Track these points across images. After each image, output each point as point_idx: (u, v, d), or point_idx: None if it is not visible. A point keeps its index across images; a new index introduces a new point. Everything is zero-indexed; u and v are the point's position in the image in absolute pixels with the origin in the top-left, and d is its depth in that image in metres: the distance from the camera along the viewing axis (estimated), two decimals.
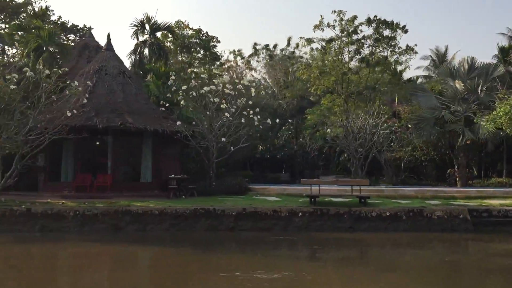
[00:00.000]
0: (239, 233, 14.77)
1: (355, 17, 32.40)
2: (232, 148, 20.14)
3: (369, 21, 32.35)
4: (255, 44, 48.00)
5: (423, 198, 18.29)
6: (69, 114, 16.21)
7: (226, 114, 18.98)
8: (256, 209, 15.26)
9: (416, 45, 38.18)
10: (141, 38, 29.94)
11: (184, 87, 20.76)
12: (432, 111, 27.91)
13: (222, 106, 19.21)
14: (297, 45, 48.99)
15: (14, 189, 18.73)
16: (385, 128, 26.19)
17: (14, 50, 33.54)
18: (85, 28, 32.98)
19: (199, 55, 34.40)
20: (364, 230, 15.00)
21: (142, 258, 12.29)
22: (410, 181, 28.20)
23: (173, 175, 19.33)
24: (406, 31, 32.80)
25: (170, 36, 31.68)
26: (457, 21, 75.84)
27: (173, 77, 21.07)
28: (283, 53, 47.86)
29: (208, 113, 19.59)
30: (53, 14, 29.92)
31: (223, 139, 19.34)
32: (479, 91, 27.19)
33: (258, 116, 19.90)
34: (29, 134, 15.46)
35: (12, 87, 15.62)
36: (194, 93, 19.55)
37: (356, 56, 32.81)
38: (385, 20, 32.36)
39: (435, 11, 76.56)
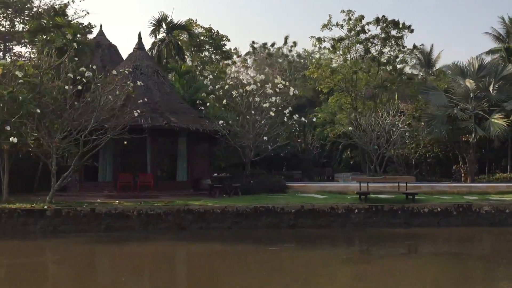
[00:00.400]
0: (299, 230, 15.15)
1: (362, 17, 33.11)
2: (269, 146, 20.52)
3: (377, 21, 33.08)
4: (253, 42, 48.47)
5: (459, 193, 19.03)
6: (136, 114, 16.31)
7: (271, 113, 19.31)
8: (314, 206, 15.66)
9: (422, 44, 39.29)
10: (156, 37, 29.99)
11: (217, 86, 21.06)
12: (444, 109, 28.63)
13: (264, 105, 19.52)
14: (295, 43, 49.72)
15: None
16: (401, 126, 26.88)
17: (23, 49, 33.16)
18: (90, 26, 32.74)
19: (208, 53, 34.52)
20: (417, 225, 15.58)
21: (223, 255, 12.46)
22: (419, 177, 28.95)
23: (215, 174, 19.60)
24: (412, 31, 33.70)
25: (185, 34, 31.73)
26: (441, 21, 77.66)
27: (210, 76, 21.27)
28: (281, 51, 48.51)
29: (252, 112, 19.84)
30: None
31: (264, 138, 19.68)
32: (490, 90, 28.01)
33: (297, 115, 20.32)
34: (90, 134, 15.49)
35: (66, 87, 15.66)
36: (234, 93, 19.80)
37: (366, 55, 33.43)
38: (393, 20, 33.19)
39: (419, 10, 78.15)
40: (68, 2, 26.99)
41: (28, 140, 14.98)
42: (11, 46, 32.76)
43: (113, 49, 29.06)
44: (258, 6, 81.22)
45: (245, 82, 20.31)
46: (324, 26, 34.60)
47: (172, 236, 14.39)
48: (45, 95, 15.71)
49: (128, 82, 17.25)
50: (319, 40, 34.45)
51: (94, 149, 16.18)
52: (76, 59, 23.69)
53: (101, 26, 31.60)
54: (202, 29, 33.88)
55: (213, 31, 34.12)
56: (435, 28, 74.77)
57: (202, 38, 33.51)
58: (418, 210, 15.81)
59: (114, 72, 17.07)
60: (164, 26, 29.78)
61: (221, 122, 19.76)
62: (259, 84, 20.08)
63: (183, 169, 21.26)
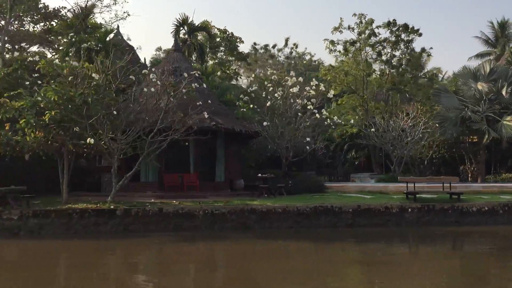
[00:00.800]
0: (357, 229, 15.72)
1: (372, 20, 34.02)
2: (308, 147, 21.08)
3: (388, 25, 33.97)
4: (254, 43, 49.09)
5: (492, 193, 19.86)
6: (206, 115, 16.67)
7: (317, 115, 19.88)
8: (370, 206, 16.27)
9: (431, 48, 40.41)
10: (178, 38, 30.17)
11: (253, 88, 21.55)
12: (458, 111, 29.53)
13: (308, 107, 20.07)
14: (296, 45, 50.53)
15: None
16: (423, 127, 27.70)
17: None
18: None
19: (224, 55, 34.83)
20: (467, 224, 16.32)
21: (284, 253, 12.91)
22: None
23: (259, 174, 20.04)
24: (420, 35, 34.71)
25: (199, 36, 31.95)
26: (430, 24, 79.38)
27: (252, 78, 21.70)
28: (282, 53, 49.27)
29: (297, 114, 20.36)
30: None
31: (307, 138, 20.24)
32: (503, 93, 29.00)
33: (336, 117, 20.93)
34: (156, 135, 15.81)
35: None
36: (277, 95, 20.28)
37: (379, 58, 34.30)
38: (405, 24, 34.12)
39: (406, 13, 79.73)
40: (95, 4, 26.92)
41: (104, 140, 15.18)
42: (26, 46, 32.56)
43: (131, 50, 29.21)
44: (258, 9, 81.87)
45: (286, 84, 20.72)
46: (336, 29, 35.41)
47: (239, 235, 14.75)
48: (106, 97, 15.96)
49: (193, 85, 17.57)
50: (332, 42, 35.20)
51: (157, 150, 16.44)
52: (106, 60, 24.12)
53: (118, 27, 31.80)
54: (217, 30, 34.17)
55: (227, 33, 34.48)
56: (424, 31, 76.47)
57: (217, 39, 33.79)
58: (467, 209, 16.56)
59: (152, 75, 17.31)
60: (185, 27, 30.01)
61: (265, 123, 20.21)
62: (298, 86, 20.59)
63: (221, 170, 21.62)
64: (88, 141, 14.53)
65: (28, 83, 16.78)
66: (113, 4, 21.85)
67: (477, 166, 29.92)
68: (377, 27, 34.08)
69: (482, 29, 47.11)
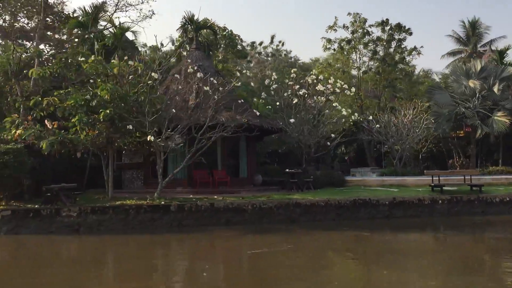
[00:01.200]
0: (394, 220, 16.68)
1: (365, 20, 35.30)
2: (328, 143, 21.96)
3: (382, 24, 35.26)
4: (241, 41, 49.36)
5: (503, 184, 21.18)
6: (257, 113, 17.22)
7: (344, 112, 20.76)
8: (404, 198, 17.27)
9: (422, 46, 42.00)
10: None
11: (274, 86, 22.25)
12: (452, 107, 30.98)
13: (334, 104, 20.94)
14: (282, 43, 51.18)
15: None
16: (425, 124, 28.97)
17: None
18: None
19: (226, 52, 35.23)
20: (492, 213, 17.54)
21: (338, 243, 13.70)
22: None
23: (287, 170, 20.74)
24: (410, 34, 36.15)
25: (208, 34, 32.28)
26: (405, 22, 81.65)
27: (275, 76, 22.33)
28: (268, 50, 49.78)
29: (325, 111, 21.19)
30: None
31: (332, 135, 21.09)
32: (495, 90, 30.60)
33: (349, 110, 21.94)
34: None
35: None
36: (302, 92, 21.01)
37: (374, 56, 35.52)
38: (399, 23, 35.48)
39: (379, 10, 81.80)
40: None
41: (163, 137, 15.56)
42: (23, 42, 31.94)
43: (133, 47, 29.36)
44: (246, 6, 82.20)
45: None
46: (330, 27, 36.52)
47: (287, 227, 15.39)
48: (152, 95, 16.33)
49: (234, 82, 18.09)
50: (329, 41, 36.23)
51: (203, 147, 16.89)
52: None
53: (120, 23, 31.73)
54: (217, 28, 34.50)
55: (227, 30, 34.88)
56: None
57: (218, 37, 34.17)
58: (491, 200, 17.79)
59: (177, 75, 17.73)
60: (192, 25, 30.24)
61: (292, 120, 20.91)
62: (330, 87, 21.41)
63: (244, 166, 22.23)
64: (148, 139, 14.87)
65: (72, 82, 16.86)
66: (141, 3, 21.74)
67: (468, 160, 31.44)
68: (370, 26, 35.28)
69: (455, 28, 49.40)
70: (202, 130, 16.44)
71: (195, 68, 21.17)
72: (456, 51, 46.79)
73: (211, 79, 17.72)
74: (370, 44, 35.51)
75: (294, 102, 21.02)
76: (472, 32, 45.33)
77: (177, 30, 30.55)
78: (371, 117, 29.13)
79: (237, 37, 35.77)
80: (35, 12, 31.48)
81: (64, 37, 28.01)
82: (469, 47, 45.62)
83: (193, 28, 30.64)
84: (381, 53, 35.65)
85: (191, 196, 17.48)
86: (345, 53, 36.02)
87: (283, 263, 10.55)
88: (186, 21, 30.18)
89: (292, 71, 22.62)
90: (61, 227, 14.25)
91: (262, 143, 27.68)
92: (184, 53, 30.06)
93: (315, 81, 21.39)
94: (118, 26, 24.59)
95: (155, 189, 18.25)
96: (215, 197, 16.99)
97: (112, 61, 16.54)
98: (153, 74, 15.35)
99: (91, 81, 15.97)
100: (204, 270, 10.03)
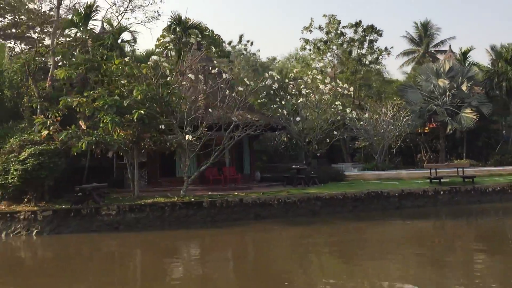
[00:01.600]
0: (404, 210, 18.03)
1: (339, 21, 36.93)
2: (328, 140, 23.14)
3: (356, 25, 36.98)
4: (221, 41, 49.75)
5: (485, 176, 23.02)
6: (285, 112, 17.94)
7: (347, 110, 21.95)
8: (411, 190, 18.69)
9: (392, 47, 44.14)
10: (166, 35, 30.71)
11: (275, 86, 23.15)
12: (424, 105, 32.99)
13: (337, 103, 22.10)
14: (251, 42, 52.07)
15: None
16: (405, 121, 30.70)
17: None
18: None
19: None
20: (486, 202, 19.28)
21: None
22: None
23: (293, 166, 21.68)
24: (381, 35, 38.11)
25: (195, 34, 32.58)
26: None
27: (278, 76, 23.12)
28: (236, 50, 50.55)
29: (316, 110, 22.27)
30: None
31: (335, 132, 22.26)
32: (463, 88, 32.84)
33: (349, 109, 23.28)
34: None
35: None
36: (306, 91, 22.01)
37: (349, 56, 37.13)
38: (372, 25, 37.28)
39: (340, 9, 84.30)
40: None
41: (199, 135, 16.07)
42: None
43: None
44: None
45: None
46: (306, 28, 37.91)
47: (310, 219, 16.38)
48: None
49: (252, 82, 18.75)
50: (307, 41, 37.55)
51: (229, 145, 17.54)
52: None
53: (102, 22, 31.56)
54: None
55: (209, 31, 35.29)
56: None
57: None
58: (485, 190, 19.55)
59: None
60: (180, 26, 30.59)
61: (298, 118, 21.90)
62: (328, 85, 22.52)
63: (248, 163, 22.99)
64: (187, 138, 15.38)
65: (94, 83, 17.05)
66: (151, 4, 21.79)
67: (435, 154, 33.59)
68: (343, 27, 36.86)
69: (408, 29, 52.30)
70: (230, 129, 17.04)
71: (211, 69, 21.54)
72: (410, 51, 49.30)
73: (228, 78, 18.23)
74: (344, 45, 37.01)
75: (299, 100, 22.00)
76: (424, 33, 48.12)
77: (164, 30, 30.74)
78: (354, 114, 30.57)
79: (217, 37, 36.33)
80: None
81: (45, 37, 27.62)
82: (422, 47, 48.26)
83: (181, 28, 31.09)
84: (354, 53, 37.28)
85: (210, 193, 18.00)
86: (321, 53, 37.39)
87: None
88: (174, 21, 30.54)
89: (294, 70, 23.57)
90: (102, 225, 14.55)
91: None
92: (173, 53, 30.50)
93: (317, 80, 22.41)
94: (117, 26, 24.49)
95: (161, 188, 18.82)
96: (236, 193, 17.68)
97: (142, 64, 16.70)
98: (190, 75, 15.82)
99: (122, 81, 16.18)
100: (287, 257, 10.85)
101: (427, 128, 36.16)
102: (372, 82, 37.16)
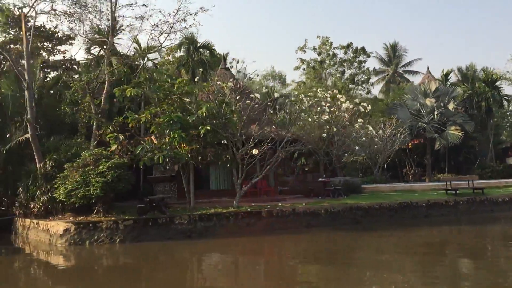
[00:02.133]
0: (432, 218, 19.82)
1: (331, 43, 39.24)
2: (346, 155, 24.87)
3: (347, 47, 39.32)
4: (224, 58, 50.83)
5: (487, 188, 25.24)
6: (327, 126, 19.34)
7: (370, 127, 23.70)
8: (436, 200, 20.57)
9: (380, 68, 46.59)
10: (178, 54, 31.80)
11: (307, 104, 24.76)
12: (414, 122, 35.31)
13: (359, 120, 23.88)
14: (238, 60, 53.63)
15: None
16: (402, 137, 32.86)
17: None
18: None
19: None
20: (498, 211, 21.40)
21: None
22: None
23: (320, 179, 23.18)
24: (369, 56, 40.69)
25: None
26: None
27: (301, 96, 24.76)
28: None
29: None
30: None
31: (356, 147, 24.00)
32: (450, 107, 35.43)
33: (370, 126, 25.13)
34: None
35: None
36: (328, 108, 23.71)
37: (343, 76, 39.38)
38: (363, 47, 39.71)
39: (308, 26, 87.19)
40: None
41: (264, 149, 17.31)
42: None
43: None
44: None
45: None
46: (300, 48, 39.99)
47: (354, 227, 17.92)
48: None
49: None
50: (302, 61, 39.57)
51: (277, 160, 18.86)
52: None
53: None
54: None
55: (212, 48, 36.43)
56: None
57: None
58: (496, 200, 21.71)
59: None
60: (192, 45, 31.72)
61: (324, 134, 23.50)
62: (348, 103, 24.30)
63: (272, 176, 24.30)
64: (253, 152, 16.63)
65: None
66: (188, 27, 22.39)
67: (419, 169, 35.76)
68: (334, 48, 39.12)
69: (378, 50, 55.46)
70: (282, 144, 18.39)
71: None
72: (380, 70, 52.15)
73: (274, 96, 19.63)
74: (337, 66, 39.23)
75: (325, 118, 23.67)
76: (393, 54, 51.35)
77: (176, 48, 31.70)
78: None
79: (219, 55, 37.52)
80: None
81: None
82: (391, 67, 51.21)
83: (194, 47, 32.25)
84: (346, 74, 39.56)
85: (253, 204, 19.23)
86: (316, 72, 39.44)
87: None
88: (186, 39, 31.67)
89: (318, 90, 25.25)
90: (176, 233, 15.55)
91: None
92: (182, 71, 31.46)
93: (339, 100, 24.17)
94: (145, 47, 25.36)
95: (206, 200, 19.88)
96: (280, 204, 18.99)
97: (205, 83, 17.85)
98: (256, 95, 17.11)
99: (186, 99, 17.29)
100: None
101: (410, 144, 38.48)
102: (365, 101, 39.38)
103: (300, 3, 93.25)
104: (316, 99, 24.91)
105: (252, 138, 17.44)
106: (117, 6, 19.70)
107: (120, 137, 16.20)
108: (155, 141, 16.21)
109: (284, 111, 25.39)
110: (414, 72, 51.50)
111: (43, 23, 25.31)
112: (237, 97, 18.42)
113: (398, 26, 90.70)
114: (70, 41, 24.43)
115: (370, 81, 41.35)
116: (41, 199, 17.19)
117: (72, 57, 24.41)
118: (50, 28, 23.74)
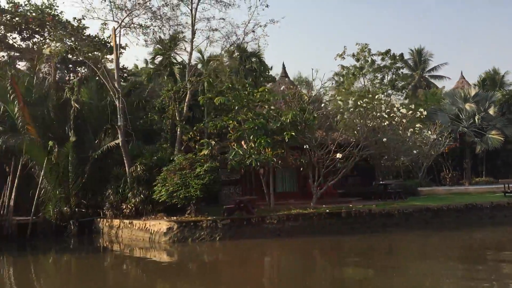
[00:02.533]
0: (496, 219, 20.59)
1: (370, 50, 40.08)
2: (402, 158, 25.75)
3: (386, 53, 40.17)
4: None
5: None
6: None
7: (429, 132, 24.58)
8: (499, 202, 21.30)
9: (412, 73, 47.31)
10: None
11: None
12: (455, 126, 35.97)
13: (418, 125, 24.73)
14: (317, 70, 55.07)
15: None
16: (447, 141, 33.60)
17: None
18: None
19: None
20: None
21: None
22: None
23: (381, 182, 24.12)
24: (406, 62, 41.52)
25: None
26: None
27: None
28: None
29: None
30: None
31: (414, 151, 24.85)
32: (490, 112, 36.09)
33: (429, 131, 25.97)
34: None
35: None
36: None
37: (383, 81, 40.27)
38: (402, 54, 40.58)
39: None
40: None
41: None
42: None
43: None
44: None
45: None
46: (339, 55, 40.89)
47: (422, 226, 18.86)
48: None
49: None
50: (343, 67, 40.57)
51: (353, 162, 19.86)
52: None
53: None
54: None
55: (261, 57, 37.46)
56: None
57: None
58: None
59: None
60: (242, 53, 32.92)
61: (384, 139, 24.37)
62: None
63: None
64: (337, 156, 17.66)
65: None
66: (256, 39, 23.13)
67: (459, 172, 36.33)
68: (372, 55, 39.98)
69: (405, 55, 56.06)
70: (358, 148, 19.38)
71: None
72: (406, 76, 52.70)
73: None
74: (376, 72, 40.12)
75: (385, 123, 24.58)
76: (419, 59, 51.95)
77: (228, 56, 32.86)
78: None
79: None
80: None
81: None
82: (416, 72, 51.79)
83: (245, 56, 33.46)
84: (385, 80, 40.45)
85: (324, 206, 20.17)
86: (356, 78, 40.35)
87: None
88: (237, 49, 32.81)
89: (376, 96, 26.16)
90: (267, 232, 16.66)
91: None
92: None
93: (396, 106, 25.04)
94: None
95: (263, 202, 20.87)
96: (351, 205, 19.91)
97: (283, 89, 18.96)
98: (339, 102, 18.15)
99: (271, 106, 18.39)
100: None
101: (447, 148, 39.06)
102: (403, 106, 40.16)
103: (332, 9, 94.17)
104: (373, 103, 25.73)
105: (336, 142, 18.41)
106: (196, 19, 20.82)
107: (212, 142, 17.28)
108: (245, 146, 17.28)
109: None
110: (440, 77, 51.94)
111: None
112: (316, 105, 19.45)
113: (420, 32, 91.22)
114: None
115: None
116: (133, 200, 18.35)
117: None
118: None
